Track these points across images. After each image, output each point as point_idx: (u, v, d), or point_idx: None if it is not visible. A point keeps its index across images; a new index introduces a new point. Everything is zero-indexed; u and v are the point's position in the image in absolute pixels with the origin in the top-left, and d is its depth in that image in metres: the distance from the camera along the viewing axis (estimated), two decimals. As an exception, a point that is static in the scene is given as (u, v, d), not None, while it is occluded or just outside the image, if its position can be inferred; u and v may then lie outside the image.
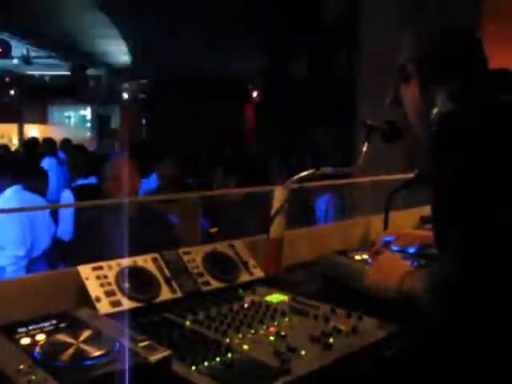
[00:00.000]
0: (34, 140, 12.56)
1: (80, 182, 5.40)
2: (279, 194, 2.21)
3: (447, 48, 1.74)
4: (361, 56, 6.01)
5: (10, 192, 4.51)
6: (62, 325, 1.39)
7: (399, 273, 1.72)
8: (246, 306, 1.83)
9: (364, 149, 2.29)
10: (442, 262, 1.52)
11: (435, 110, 1.69)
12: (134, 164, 3.72)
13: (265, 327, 1.65)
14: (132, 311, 1.72)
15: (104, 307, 1.68)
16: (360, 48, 5.96)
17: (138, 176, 3.72)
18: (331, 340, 1.55)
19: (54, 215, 4.86)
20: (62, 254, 4.51)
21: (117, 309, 1.70)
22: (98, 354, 1.20)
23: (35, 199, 4.53)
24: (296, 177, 2.25)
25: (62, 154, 9.46)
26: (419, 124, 1.85)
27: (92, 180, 5.42)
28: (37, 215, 4.46)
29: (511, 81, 1.65)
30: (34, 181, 4.73)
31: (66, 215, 4.83)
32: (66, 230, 4.82)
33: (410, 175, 2.87)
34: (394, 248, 2.31)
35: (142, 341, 1.27)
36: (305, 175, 2.26)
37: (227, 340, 1.54)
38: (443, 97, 1.67)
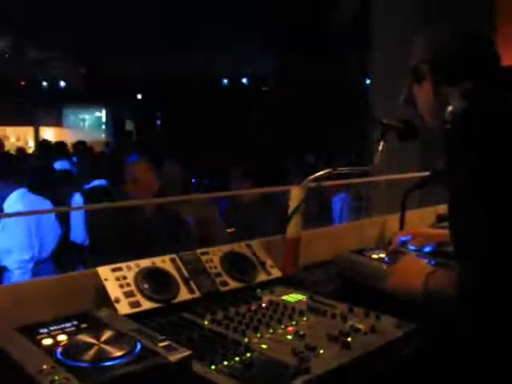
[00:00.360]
0: (46, 142, 12.77)
1: (92, 183, 5.42)
2: (296, 194, 2.22)
3: (460, 49, 1.74)
4: (374, 56, 6.00)
5: (14, 195, 4.54)
6: (83, 325, 1.41)
7: (422, 274, 1.69)
8: (263, 305, 1.84)
9: (380, 148, 2.29)
10: (468, 264, 1.51)
11: (449, 109, 1.69)
12: (152, 166, 3.79)
13: (283, 327, 1.66)
14: (151, 312, 1.73)
15: (123, 308, 1.69)
16: (373, 48, 5.95)
17: (156, 178, 3.78)
18: (349, 339, 1.55)
19: (65, 219, 4.90)
20: (80, 257, 4.54)
21: (136, 309, 1.71)
22: (119, 354, 1.21)
23: (40, 202, 4.53)
24: (312, 176, 2.26)
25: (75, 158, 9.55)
26: (433, 122, 1.86)
27: (102, 182, 5.45)
28: (42, 216, 4.49)
29: None
30: (41, 183, 4.74)
31: (78, 218, 4.86)
32: (78, 233, 4.86)
33: (426, 174, 2.87)
34: (411, 247, 2.30)
35: (162, 341, 1.28)
36: (321, 175, 2.26)
37: (246, 340, 1.55)
38: (456, 97, 1.67)
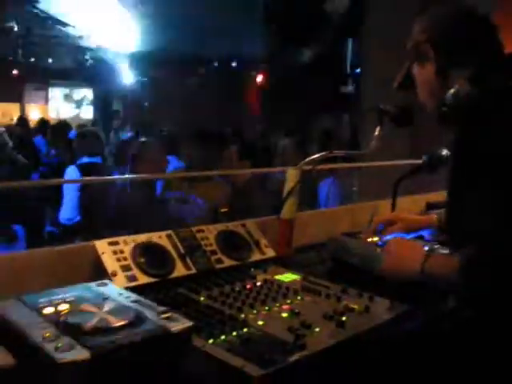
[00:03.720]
0: (22, 118, 13.67)
1: (85, 160, 5.38)
2: (292, 176, 2.23)
3: (466, 31, 1.75)
4: (368, 43, 6.00)
5: None
6: (84, 296, 1.41)
7: (419, 257, 1.69)
8: (258, 284, 1.86)
9: (376, 133, 2.30)
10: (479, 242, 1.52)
11: (451, 91, 1.69)
12: (162, 147, 3.93)
13: (278, 305, 1.68)
14: (147, 286, 1.75)
15: (120, 282, 1.71)
16: (367, 35, 5.95)
17: (166, 158, 3.91)
18: (344, 318, 1.57)
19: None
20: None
21: (133, 283, 1.73)
22: (121, 323, 1.22)
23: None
24: (308, 159, 2.27)
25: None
26: (431, 104, 1.86)
27: (97, 159, 5.41)
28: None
29: None
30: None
31: (72, 195, 4.86)
32: (69, 211, 4.88)
33: (418, 161, 2.88)
34: (396, 234, 2.28)
35: (164, 312, 1.29)
36: (317, 157, 2.28)
37: (242, 315, 1.57)
38: (461, 80, 1.67)
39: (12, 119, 16.64)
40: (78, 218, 4.87)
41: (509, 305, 1.46)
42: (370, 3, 6.01)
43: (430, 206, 3.20)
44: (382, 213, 2.86)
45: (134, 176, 3.77)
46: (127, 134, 11.62)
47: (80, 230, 4.61)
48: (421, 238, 2.31)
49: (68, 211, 4.91)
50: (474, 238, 1.51)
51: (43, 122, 11.81)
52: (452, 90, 1.67)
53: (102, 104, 19.91)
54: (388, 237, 2.14)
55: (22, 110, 18.81)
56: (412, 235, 2.30)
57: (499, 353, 1.51)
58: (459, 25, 1.76)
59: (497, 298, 1.48)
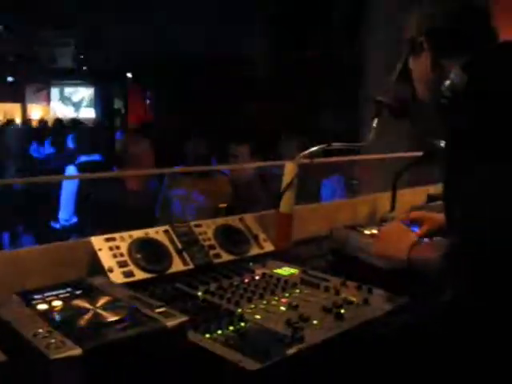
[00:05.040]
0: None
1: (83, 158, 5.38)
2: (290, 169, 2.21)
3: (460, 22, 1.73)
4: (368, 39, 5.98)
5: None
6: (78, 292, 1.40)
7: (407, 243, 1.69)
8: (257, 278, 1.85)
9: (374, 125, 2.29)
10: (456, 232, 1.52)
11: (447, 82, 1.68)
12: (149, 142, 3.91)
13: (276, 298, 1.67)
14: (144, 282, 1.73)
15: (116, 277, 1.69)
16: (367, 32, 5.93)
17: (153, 153, 3.88)
18: (343, 311, 1.56)
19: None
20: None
21: (129, 279, 1.71)
22: (115, 318, 1.21)
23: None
24: (306, 151, 2.25)
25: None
26: (429, 97, 1.85)
27: (96, 157, 5.42)
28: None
29: None
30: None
31: (69, 195, 4.86)
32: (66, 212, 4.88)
33: (418, 154, 2.87)
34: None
35: (159, 307, 1.28)
36: (315, 150, 2.26)
37: (240, 310, 1.55)
38: (456, 69, 1.66)
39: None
40: (75, 219, 4.86)
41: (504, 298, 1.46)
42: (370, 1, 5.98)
43: (432, 198, 3.18)
44: (384, 206, 2.85)
45: (134, 172, 3.75)
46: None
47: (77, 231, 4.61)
48: None
49: (65, 212, 4.90)
50: (458, 226, 1.50)
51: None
52: (448, 82, 1.65)
53: (103, 103, 19.91)
54: None
55: (24, 110, 18.82)
56: None
57: (497, 346, 1.49)
58: (452, 15, 1.74)
59: (494, 290, 1.46)
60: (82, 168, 5.02)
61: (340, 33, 10.42)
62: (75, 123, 11.18)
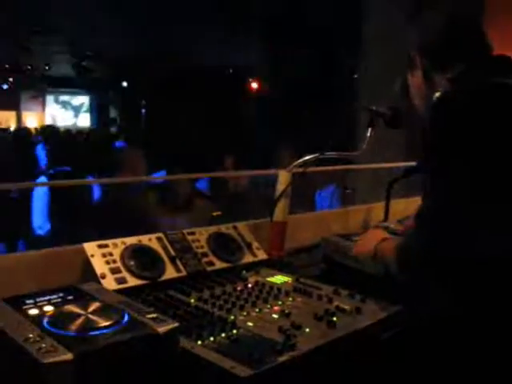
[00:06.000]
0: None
1: (56, 169, 5.43)
2: (283, 178, 2.22)
3: (447, 35, 1.76)
4: (363, 49, 5.99)
5: None
6: (70, 297, 1.40)
7: (378, 238, 1.84)
8: (249, 285, 1.85)
9: (368, 134, 2.30)
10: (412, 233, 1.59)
11: (436, 95, 1.71)
12: (140, 155, 3.95)
13: (269, 306, 1.66)
14: (137, 289, 1.73)
15: (109, 284, 1.69)
16: (363, 41, 5.94)
17: (144, 166, 3.92)
18: (335, 318, 1.56)
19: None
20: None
21: (122, 286, 1.71)
22: (106, 324, 1.20)
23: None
24: (300, 160, 2.25)
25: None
26: (423, 109, 1.87)
27: (66, 168, 5.47)
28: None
29: (507, 64, 1.67)
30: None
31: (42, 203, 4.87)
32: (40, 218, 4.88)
33: (412, 164, 2.87)
34: None
35: (150, 313, 1.28)
36: (309, 159, 2.26)
37: (232, 317, 1.55)
38: (445, 82, 1.70)
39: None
40: (48, 226, 4.87)
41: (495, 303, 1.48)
42: (368, 7, 5.99)
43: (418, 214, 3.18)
44: (378, 216, 2.85)
45: (116, 180, 3.79)
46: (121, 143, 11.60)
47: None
48: None
49: (39, 220, 4.91)
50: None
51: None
52: (437, 93, 1.68)
53: (99, 112, 19.91)
54: None
55: (19, 117, 18.81)
56: None
57: (488, 351, 1.50)
58: (443, 30, 1.77)
59: (484, 297, 1.49)
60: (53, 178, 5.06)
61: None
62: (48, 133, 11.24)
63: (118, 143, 11.52)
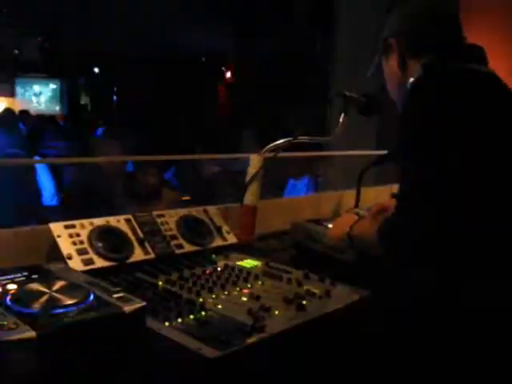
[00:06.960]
0: None
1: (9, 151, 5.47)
2: (255, 162, 2.20)
3: (424, 23, 1.78)
4: (336, 34, 5.97)
5: None
6: (34, 276, 1.37)
7: (350, 222, 1.87)
8: (219, 269, 1.83)
9: (341, 119, 2.28)
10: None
11: (410, 81, 1.72)
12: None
13: (238, 289, 1.65)
14: (104, 270, 1.70)
15: (76, 265, 1.66)
16: (336, 26, 5.92)
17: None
18: (305, 302, 1.55)
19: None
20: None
21: (89, 267, 1.68)
22: (71, 302, 1.18)
23: None
24: (272, 144, 2.23)
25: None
26: (397, 95, 1.87)
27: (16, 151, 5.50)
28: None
29: (480, 53, 1.72)
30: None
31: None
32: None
33: (383, 152, 2.88)
34: None
35: (117, 292, 1.25)
36: (281, 143, 2.24)
37: (201, 299, 1.53)
38: (419, 68, 1.70)
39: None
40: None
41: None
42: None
43: (395, 197, 3.19)
44: (348, 203, 2.85)
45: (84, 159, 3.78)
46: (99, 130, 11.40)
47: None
48: None
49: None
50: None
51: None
52: (411, 79, 1.69)
53: (69, 98, 19.63)
54: None
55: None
56: None
57: (461, 335, 1.51)
58: (419, 18, 1.79)
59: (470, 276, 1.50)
60: None
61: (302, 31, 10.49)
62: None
63: (98, 131, 11.36)
